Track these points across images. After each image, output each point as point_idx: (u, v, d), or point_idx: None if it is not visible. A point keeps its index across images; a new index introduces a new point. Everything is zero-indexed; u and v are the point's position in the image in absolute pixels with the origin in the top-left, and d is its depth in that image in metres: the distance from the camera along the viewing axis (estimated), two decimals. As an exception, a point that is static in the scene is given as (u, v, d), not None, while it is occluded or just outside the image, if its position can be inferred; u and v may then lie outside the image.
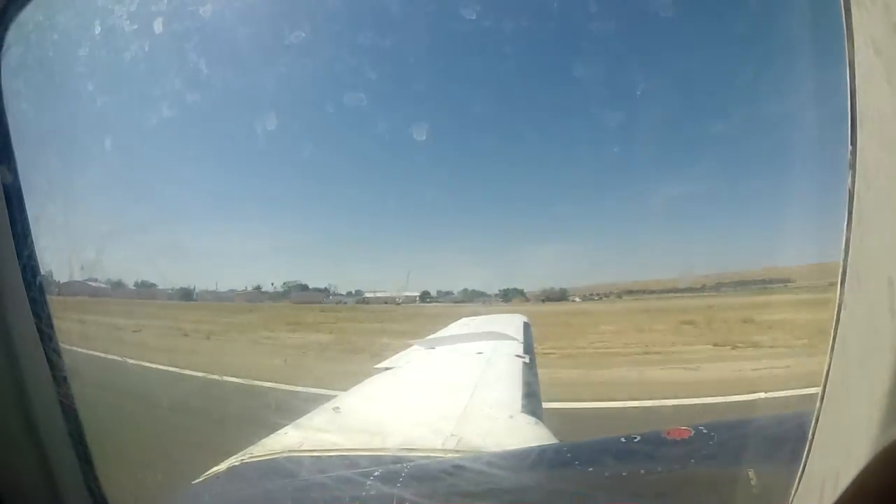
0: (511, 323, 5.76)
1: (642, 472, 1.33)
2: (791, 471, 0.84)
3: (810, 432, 0.80)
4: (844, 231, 0.73)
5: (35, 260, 1.29)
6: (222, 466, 1.85)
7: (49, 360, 1.25)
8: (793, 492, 0.84)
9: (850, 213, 0.72)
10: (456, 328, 6.22)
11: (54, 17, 2.18)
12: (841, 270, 0.74)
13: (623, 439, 1.44)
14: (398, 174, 23.32)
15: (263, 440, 2.10)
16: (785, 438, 0.99)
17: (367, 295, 20.85)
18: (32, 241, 1.30)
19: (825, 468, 0.77)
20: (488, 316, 6.93)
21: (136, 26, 3.71)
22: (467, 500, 1.38)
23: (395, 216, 23.15)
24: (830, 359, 0.76)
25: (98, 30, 3.42)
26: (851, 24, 0.68)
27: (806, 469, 0.82)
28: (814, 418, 0.79)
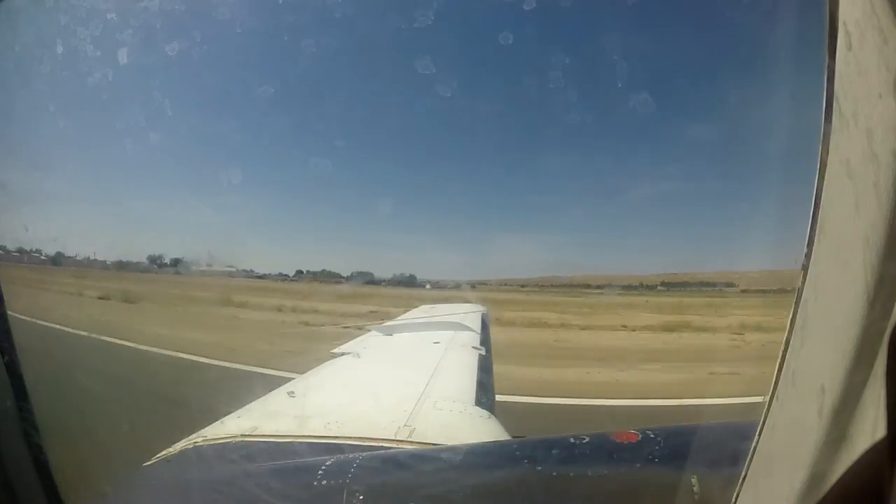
0: (470, 313, 5.85)
1: (589, 473, 1.37)
2: (734, 479, 0.86)
3: (754, 441, 0.81)
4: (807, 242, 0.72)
5: None
6: (174, 449, 1.80)
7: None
8: (734, 499, 0.86)
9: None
10: (416, 315, 6.27)
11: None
12: (801, 278, 0.73)
13: (572, 439, 1.47)
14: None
15: (216, 423, 2.06)
16: (729, 446, 1.00)
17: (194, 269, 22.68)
18: None
19: (768, 477, 0.79)
20: (448, 305, 7.01)
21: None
22: (417, 495, 1.40)
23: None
24: (781, 363, 0.76)
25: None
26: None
27: (747, 478, 0.83)
28: (759, 426, 0.80)
